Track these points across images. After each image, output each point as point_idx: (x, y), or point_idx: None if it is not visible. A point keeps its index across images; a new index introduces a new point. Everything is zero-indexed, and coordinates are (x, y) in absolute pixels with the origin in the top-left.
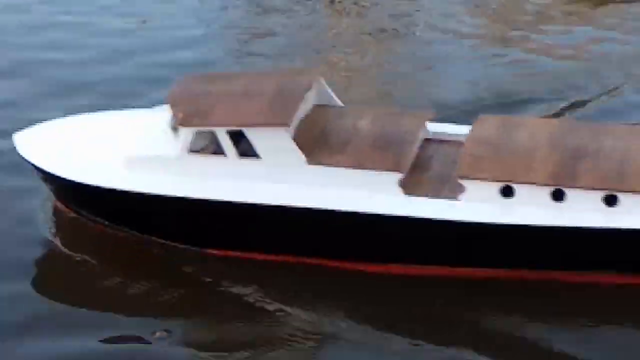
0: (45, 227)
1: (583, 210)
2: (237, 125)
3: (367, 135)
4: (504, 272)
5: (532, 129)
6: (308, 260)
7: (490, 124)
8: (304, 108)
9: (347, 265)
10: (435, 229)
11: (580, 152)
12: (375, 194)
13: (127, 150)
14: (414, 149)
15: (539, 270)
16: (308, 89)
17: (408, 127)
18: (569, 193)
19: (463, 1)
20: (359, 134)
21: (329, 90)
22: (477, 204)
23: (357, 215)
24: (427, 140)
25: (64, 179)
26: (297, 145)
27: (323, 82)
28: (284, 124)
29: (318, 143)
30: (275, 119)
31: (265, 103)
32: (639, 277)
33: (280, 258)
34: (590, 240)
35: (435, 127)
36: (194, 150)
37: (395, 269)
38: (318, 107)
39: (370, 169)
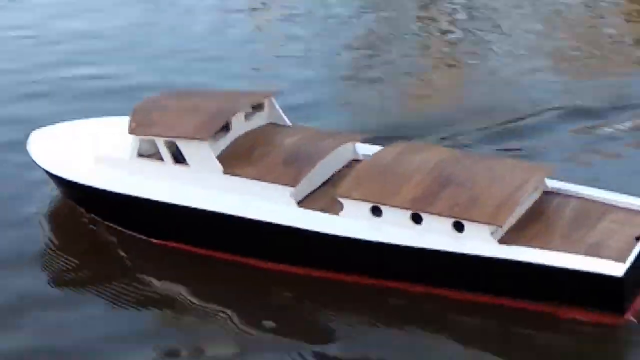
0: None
1: (436, 234)
2: (171, 137)
3: (285, 151)
4: (373, 280)
5: (427, 156)
6: (223, 256)
7: (395, 149)
8: (245, 125)
9: (249, 261)
10: (313, 238)
11: (451, 181)
12: (271, 204)
13: (101, 150)
14: (316, 166)
15: (400, 281)
16: (237, 110)
17: (323, 147)
18: (425, 217)
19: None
20: (279, 150)
21: (279, 110)
22: (351, 220)
23: (254, 221)
24: (355, 161)
25: (49, 172)
26: (225, 156)
27: (274, 102)
28: (203, 138)
29: (242, 155)
30: (196, 134)
31: (199, 119)
32: (483, 296)
33: (200, 251)
34: (439, 260)
35: (366, 149)
36: (142, 154)
37: (287, 268)
38: (268, 125)
39: (269, 181)
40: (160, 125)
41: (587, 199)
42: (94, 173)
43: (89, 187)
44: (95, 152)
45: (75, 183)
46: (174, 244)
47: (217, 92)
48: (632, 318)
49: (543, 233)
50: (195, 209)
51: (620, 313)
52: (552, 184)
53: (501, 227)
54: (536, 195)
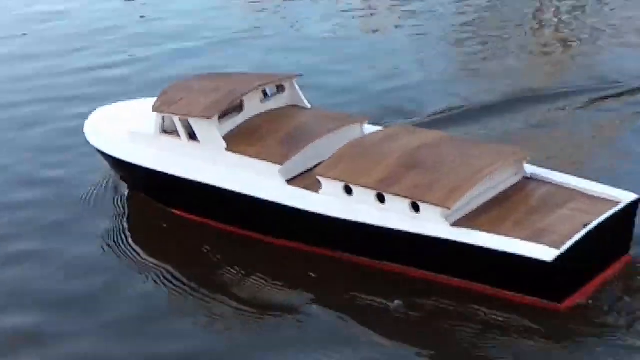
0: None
1: (396, 213)
2: (184, 115)
3: (287, 132)
4: (345, 256)
5: (412, 139)
6: (227, 227)
7: (386, 131)
8: (261, 106)
9: (244, 233)
10: (293, 214)
11: (419, 164)
12: (262, 180)
13: (135, 126)
14: (307, 146)
15: (363, 257)
16: (248, 91)
17: (323, 128)
18: (388, 197)
19: None
20: (282, 131)
21: (300, 93)
22: (327, 198)
23: (245, 196)
24: None
25: (93, 145)
26: (233, 134)
27: (295, 85)
28: (209, 116)
29: (249, 134)
30: (203, 112)
31: (211, 99)
32: (438, 276)
33: (208, 222)
34: (398, 240)
35: (372, 131)
36: (165, 131)
37: (276, 241)
38: (287, 107)
39: (260, 159)
40: (179, 105)
41: (560, 186)
42: (126, 147)
43: (120, 160)
44: (130, 127)
45: (109, 155)
46: (191, 216)
47: (242, 74)
48: (575, 303)
49: (499, 218)
50: (201, 183)
51: (556, 300)
52: (533, 169)
53: (449, 209)
54: (513, 180)
